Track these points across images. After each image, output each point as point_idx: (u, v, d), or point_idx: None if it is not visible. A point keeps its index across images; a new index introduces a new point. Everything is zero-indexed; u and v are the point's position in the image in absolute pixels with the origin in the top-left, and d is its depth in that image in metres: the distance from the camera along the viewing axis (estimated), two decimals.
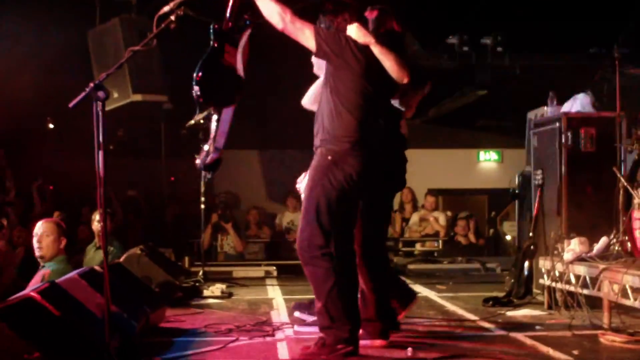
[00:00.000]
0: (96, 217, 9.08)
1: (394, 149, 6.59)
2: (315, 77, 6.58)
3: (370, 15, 6.50)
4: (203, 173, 9.77)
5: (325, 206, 5.81)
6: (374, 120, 6.02)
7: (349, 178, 5.81)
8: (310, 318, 6.99)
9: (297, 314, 7.32)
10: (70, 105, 5.69)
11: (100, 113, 5.32)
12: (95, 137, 5.23)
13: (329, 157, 5.83)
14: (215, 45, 6.25)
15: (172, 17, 5.94)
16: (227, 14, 6.28)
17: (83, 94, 5.54)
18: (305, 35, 5.88)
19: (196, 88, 6.34)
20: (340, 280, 5.79)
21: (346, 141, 5.83)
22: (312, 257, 5.85)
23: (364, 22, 6.18)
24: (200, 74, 6.26)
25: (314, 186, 5.88)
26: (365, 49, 5.91)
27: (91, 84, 5.39)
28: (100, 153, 5.24)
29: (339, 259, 5.80)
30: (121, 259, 8.39)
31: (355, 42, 5.90)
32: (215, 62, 6.34)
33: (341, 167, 5.80)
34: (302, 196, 6.22)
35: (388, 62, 5.94)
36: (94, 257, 9.15)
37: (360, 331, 5.99)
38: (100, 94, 5.28)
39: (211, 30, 6.21)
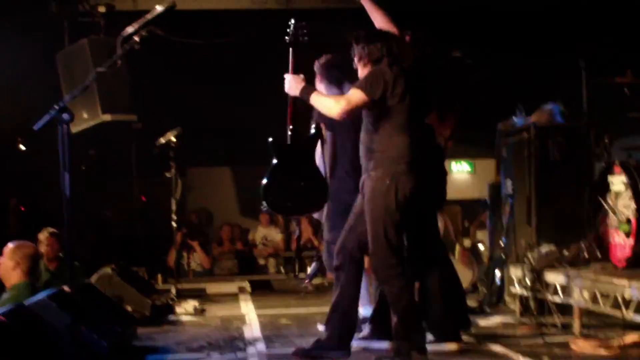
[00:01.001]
0: (42, 237, 8.92)
1: (435, 161, 6.72)
2: None
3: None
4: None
5: (393, 228, 5.94)
6: (421, 138, 6.15)
7: (407, 197, 5.94)
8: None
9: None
10: (35, 127, 5.70)
11: (66, 135, 5.31)
12: (61, 158, 5.22)
13: (387, 181, 5.92)
14: (277, 161, 6.45)
15: (136, 38, 5.97)
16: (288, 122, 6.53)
17: (48, 116, 5.55)
18: (360, 100, 5.95)
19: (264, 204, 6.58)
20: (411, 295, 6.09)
21: (402, 162, 5.95)
22: (387, 277, 6.02)
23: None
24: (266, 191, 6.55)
25: (378, 210, 5.96)
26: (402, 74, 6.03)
27: (55, 107, 5.39)
28: (67, 174, 5.24)
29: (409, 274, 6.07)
30: (93, 279, 8.34)
31: (390, 73, 5.99)
32: (277, 178, 6.60)
33: (400, 188, 5.91)
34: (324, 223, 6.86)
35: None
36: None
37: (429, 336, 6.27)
38: (65, 116, 5.28)
39: (270, 144, 6.39)
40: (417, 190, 5.99)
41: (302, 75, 6.39)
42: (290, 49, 6.53)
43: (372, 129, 6.06)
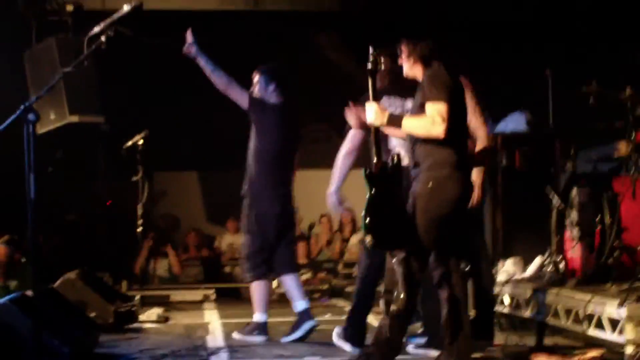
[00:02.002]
0: None
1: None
2: None
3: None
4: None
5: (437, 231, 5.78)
6: (465, 142, 6.02)
7: (452, 202, 5.77)
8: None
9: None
10: (0, 128, 5.66)
11: (31, 136, 5.28)
12: (26, 159, 5.19)
13: (430, 184, 5.73)
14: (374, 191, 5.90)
15: (103, 38, 5.94)
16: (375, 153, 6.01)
17: (13, 116, 5.50)
18: (447, 110, 5.67)
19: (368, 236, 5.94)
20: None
21: (447, 166, 5.75)
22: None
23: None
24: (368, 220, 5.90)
25: (426, 214, 5.77)
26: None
27: (21, 107, 5.35)
28: (32, 176, 5.20)
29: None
30: (56, 284, 8.27)
31: (447, 75, 5.83)
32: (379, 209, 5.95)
33: (444, 192, 5.74)
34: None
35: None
36: None
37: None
38: (30, 116, 5.24)
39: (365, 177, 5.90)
40: (465, 194, 5.92)
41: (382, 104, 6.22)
42: (370, 77, 6.04)
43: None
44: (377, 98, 5.99)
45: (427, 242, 5.76)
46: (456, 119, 5.77)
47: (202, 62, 7.65)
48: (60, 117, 10.15)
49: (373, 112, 5.85)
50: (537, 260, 7.52)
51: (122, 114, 11.20)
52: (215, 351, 7.08)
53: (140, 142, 10.36)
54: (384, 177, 5.96)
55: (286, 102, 7.89)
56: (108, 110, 10.53)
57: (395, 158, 5.94)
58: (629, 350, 5.59)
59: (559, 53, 10.14)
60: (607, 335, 5.92)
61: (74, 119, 10.12)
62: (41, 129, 9.21)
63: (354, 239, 13.14)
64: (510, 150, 8.35)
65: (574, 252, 7.16)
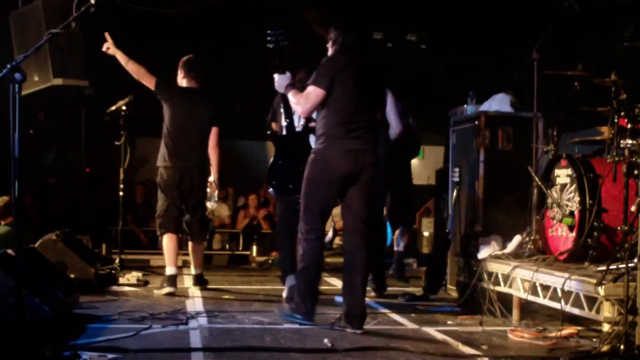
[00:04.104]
0: None
1: None
2: None
3: None
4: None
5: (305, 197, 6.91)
6: (352, 120, 6.82)
7: (320, 174, 6.80)
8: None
9: None
10: None
11: (17, 95, 5.25)
12: (12, 119, 5.17)
13: (311, 156, 6.87)
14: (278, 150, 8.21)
15: (92, 1, 5.91)
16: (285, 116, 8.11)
17: None
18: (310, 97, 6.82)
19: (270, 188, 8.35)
20: None
21: (324, 141, 6.78)
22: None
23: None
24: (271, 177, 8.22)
25: (305, 180, 6.92)
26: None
27: (7, 66, 5.33)
28: (16, 135, 5.18)
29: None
30: (37, 244, 8.27)
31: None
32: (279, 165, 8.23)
33: (316, 163, 6.86)
34: None
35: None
36: None
37: None
38: (17, 75, 5.21)
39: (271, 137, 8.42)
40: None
41: (288, 74, 7.05)
42: (276, 54, 7.18)
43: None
44: (282, 70, 7.02)
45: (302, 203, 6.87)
46: (339, 100, 6.69)
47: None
48: (44, 80, 10.08)
49: (276, 82, 7.03)
50: (517, 238, 7.60)
51: (106, 79, 11.15)
52: (194, 315, 7.12)
53: (124, 107, 10.32)
54: (288, 139, 8.06)
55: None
56: (93, 75, 10.49)
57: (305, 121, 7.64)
58: (606, 328, 5.68)
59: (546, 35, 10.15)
60: (585, 313, 6.00)
61: (58, 81, 10.05)
62: (24, 91, 9.11)
63: (335, 210, 13.11)
64: (494, 130, 8.39)
65: (554, 231, 7.25)
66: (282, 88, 7.02)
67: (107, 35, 8.91)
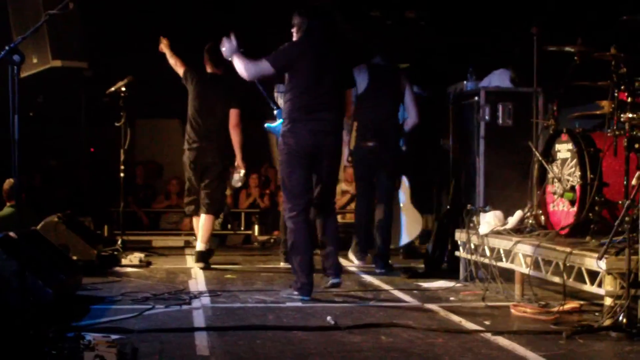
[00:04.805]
0: None
1: None
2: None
3: None
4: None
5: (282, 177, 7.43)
6: (312, 103, 7.25)
7: (286, 152, 7.24)
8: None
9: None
10: None
11: (16, 77, 5.24)
12: (11, 101, 5.17)
13: (279, 138, 7.40)
14: None
15: None
16: None
17: None
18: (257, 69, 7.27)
19: None
20: None
21: (288, 122, 7.22)
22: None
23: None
24: None
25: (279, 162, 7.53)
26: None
27: (6, 48, 5.31)
28: (16, 117, 5.18)
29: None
30: (38, 227, 8.28)
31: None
32: None
33: (283, 143, 7.31)
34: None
35: None
36: None
37: None
38: (15, 57, 5.20)
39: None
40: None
41: (235, 41, 7.32)
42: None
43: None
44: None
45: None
46: (300, 85, 7.18)
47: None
48: (42, 62, 10.05)
49: (224, 48, 7.34)
50: (518, 214, 7.60)
51: (105, 60, 11.14)
52: (197, 295, 7.14)
53: (123, 88, 10.30)
54: None
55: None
56: (92, 56, 10.47)
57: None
58: (608, 302, 5.69)
59: (546, 10, 10.11)
60: (587, 287, 6.01)
61: (57, 63, 10.01)
62: (23, 73, 9.10)
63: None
64: (494, 106, 8.40)
65: (555, 206, 7.25)
66: (229, 52, 7.29)
67: (163, 39, 9.65)
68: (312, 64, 7.18)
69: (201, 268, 8.91)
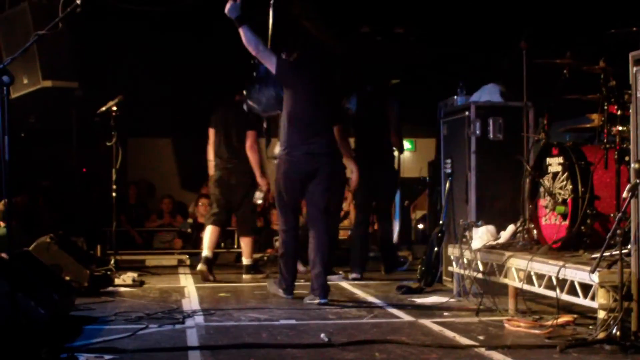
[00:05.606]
0: None
1: None
2: None
3: None
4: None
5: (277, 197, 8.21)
6: (305, 129, 7.99)
7: (281, 177, 8.02)
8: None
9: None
10: None
11: (5, 98, 5.24)
12: (1, 122, 5.16)
13: (276, 161, 8.15)
14: None
15: (78, 1, 5.90)
16: None
17: None
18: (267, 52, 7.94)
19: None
20: None
21: (282, 149, 7.93)
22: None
23: None
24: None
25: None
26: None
27: None
28: (6, 138, 5.18)
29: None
30: (30, 247, 8.25)
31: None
32: None
33: (278, 169, 8.07)
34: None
35: None
36: None
37: None
38: (5, 78, 5.20)
39: None
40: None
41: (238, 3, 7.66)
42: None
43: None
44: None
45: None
46: (295, 112, 7.84)
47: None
48: (33, 82, 10.06)
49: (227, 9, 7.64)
50: (510, 228, 7.61)
51: (96, 80, 11.14)
52: (191, 314, 7.12)
53: (114, 108, 10.31)
54: None
55: None
56: (82, 76, 10.47)
57: None
58: (601, 315, 5.68)
59: (534, 24, 10.15)
60: (580, 300, 6.01)
61: (48, 84, 10.03)
62: (14, 94, 9.15)
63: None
64: (484, 120, 8.41)
65: (547, 219, 7.25)
66: (232, 13, 7.65)
67: None
68: (306, 89, 7.94)
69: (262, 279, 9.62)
